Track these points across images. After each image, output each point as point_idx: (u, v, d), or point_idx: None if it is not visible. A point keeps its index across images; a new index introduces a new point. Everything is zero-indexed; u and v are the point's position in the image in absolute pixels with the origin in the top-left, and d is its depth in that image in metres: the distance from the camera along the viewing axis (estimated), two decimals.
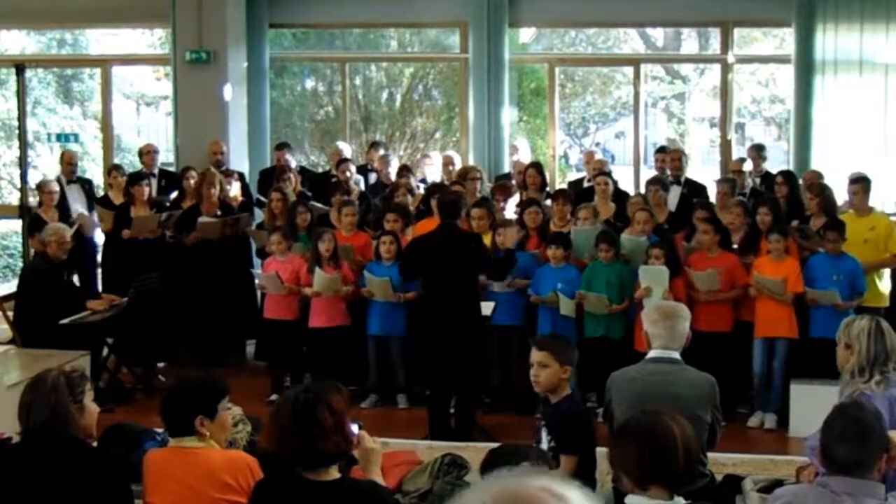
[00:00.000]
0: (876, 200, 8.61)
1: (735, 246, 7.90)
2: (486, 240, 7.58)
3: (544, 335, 5.71)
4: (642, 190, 9.43)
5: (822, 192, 8.10)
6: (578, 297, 7.56)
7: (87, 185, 9.79)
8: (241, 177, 10.09)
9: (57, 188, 9.77)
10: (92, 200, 10.00)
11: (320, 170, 10.89)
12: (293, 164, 10.20)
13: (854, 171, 8.96)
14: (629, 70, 12.57)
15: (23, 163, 8.73)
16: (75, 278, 9.01)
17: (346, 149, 10.52)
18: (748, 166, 9.62)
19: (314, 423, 3.30)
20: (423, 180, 9.93)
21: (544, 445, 4.50)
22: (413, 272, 7.33)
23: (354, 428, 3.49)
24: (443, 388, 7.22)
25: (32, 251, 8.59)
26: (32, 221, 8.83)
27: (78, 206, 9.82)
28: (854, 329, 4.59)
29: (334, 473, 3.41)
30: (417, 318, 7.51)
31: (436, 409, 7.23)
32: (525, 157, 10.50)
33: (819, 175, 9.00)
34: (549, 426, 4.53)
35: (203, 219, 8.95)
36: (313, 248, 7.97)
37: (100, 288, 9.23)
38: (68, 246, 8.07)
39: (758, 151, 9.80)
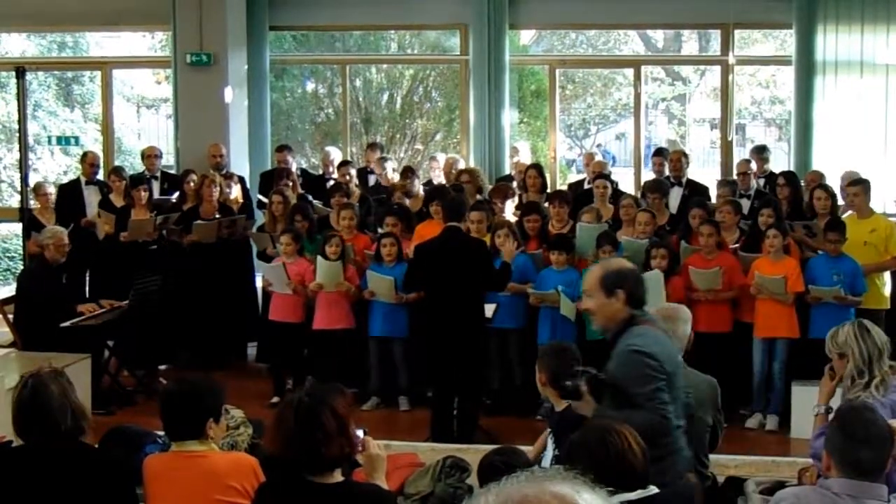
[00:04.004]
0: (876, 201, 8.61)
1: (734, 245, 7.91)
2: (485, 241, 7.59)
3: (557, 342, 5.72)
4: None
5: (832, 191, 8.17)
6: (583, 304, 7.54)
7: (104, 187, 9.77)
8: (240, 180, 10.09)
9: (53, 190, 9.76)
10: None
11: (321, 171, 10.89)
12: (294, 166, 10.20)
13: (845, 171, 8.95)
14: (629, 72, 12.58)
15: (23, 166, 8.74)
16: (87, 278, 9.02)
17: (337, 153, 10.52)
18: (753, 167, 9.61)
19: (318, 426, 3.30)
20: (429, 182, 9.93)
21: (549, 453, 4.48)
22: (417, 284, 7.33)
23: (359, 433, 3.49)
24: (446, 391, 7.21)
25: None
26: (29, 224, 8.83)
27: (94, 207, 9.77)
28: (840, 337, 4.61)
29: (338, 476, 3.41)
30: (420, 321, 7.51)
31: (439, 411, 7.22)
32: (525, 159, 10.50)
33: (822, 176, 9.00)
34: (554, 434, 4.50)
35: (198, 222, 8.95)
36: (320, 250, 7.97)
37: (87, 292, 9.15)
38: (66, 248, 8.06)
39: (759, 153, 9.79)
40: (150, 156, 10.08)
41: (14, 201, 12.68)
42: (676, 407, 4.13)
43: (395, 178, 9.94)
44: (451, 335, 7.02)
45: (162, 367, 8.79)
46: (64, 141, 14.35)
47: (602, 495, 1.59)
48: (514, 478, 1.60)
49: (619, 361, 4.12)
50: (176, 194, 9.87)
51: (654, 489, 3.32)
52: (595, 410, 4.06)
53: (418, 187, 9.36)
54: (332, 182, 9.70)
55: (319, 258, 7.89)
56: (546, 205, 8.67)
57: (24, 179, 8.82)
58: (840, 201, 8.36)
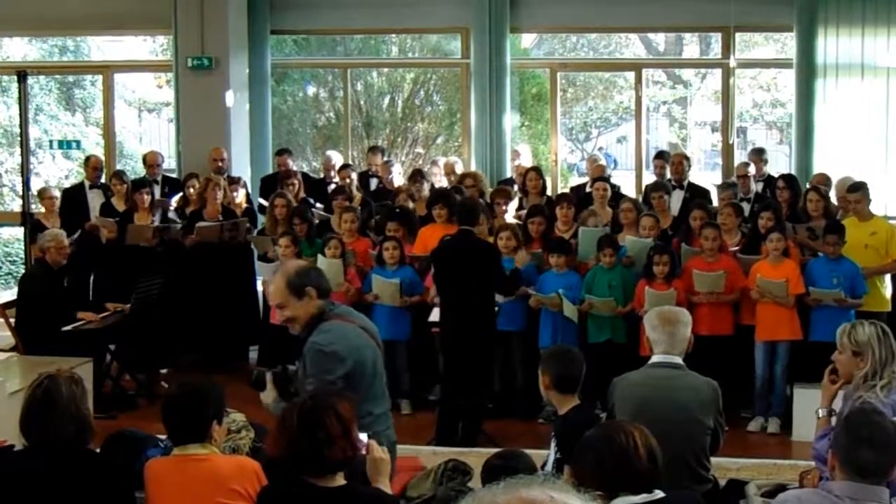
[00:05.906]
0: (878, 204, 8.60)
1: (734, 248, 7.92)
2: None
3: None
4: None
5: (827, 194, 8.17)
6: (586, 305, 7.56)
7: (107, 190, 9.78)
8: (243, 184, 10.09)
9: (57, 194, 9.76)
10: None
11: (322, 175, 10.90)
12: (294, 169, 10.20)
13: (840, 178, 8.93)
14: (631, 75, 12.57)
15: (25, 170, 8.75)
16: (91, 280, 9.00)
17: (338, 157, 10.52)
18: (753, 170, 9.61)
19: (321, 429, 3.30)
20: (431, 186, 9.93)
21: (552, 457, 4.48)
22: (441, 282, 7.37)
23: (362, 437, 3.49)
24: (455, 392, 7.22)
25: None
26: (33, 228, 8.84)
27: (98, 210, 9.75)
28: (861, 335, 4.54)
29: (340, 480, 3.41)
30: (430, 324, 7.56)
31: (446, 412, 7.23)
32: (526, 163, 10.49)
33: (828, 179, 8.98)
34: (557, 437, 4.50)
35: (201, 224, 8.95)
36: (320, 252, 7.98)
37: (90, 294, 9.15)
38: (67, 251, 8.06)
39: (758, 155, 9.79)
40: (151, 164, 10.07)
41: (16, 205, 12.69)
42: (370, 394, 4.41)
43: (401, 182, 9.95)
44: (463, 337, 7.05)
45: (163, 371, 8.79)
46: (65, 145, 14.36)
47: (584, 499, 1.56)
48: (493, 485, 1.58)
49: (307, 358, 4.35)
50: (177, 196, 9.88)
51: (659, 493, 3.31)
52: (275, 401, 4.34)
53: (426, 191, 9.36)
54: (332, 186, 9.71)
55: (319, 257, 7.89)
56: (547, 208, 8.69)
57: (26, 183, 8.83)
58: (835, 204, 8.37)
